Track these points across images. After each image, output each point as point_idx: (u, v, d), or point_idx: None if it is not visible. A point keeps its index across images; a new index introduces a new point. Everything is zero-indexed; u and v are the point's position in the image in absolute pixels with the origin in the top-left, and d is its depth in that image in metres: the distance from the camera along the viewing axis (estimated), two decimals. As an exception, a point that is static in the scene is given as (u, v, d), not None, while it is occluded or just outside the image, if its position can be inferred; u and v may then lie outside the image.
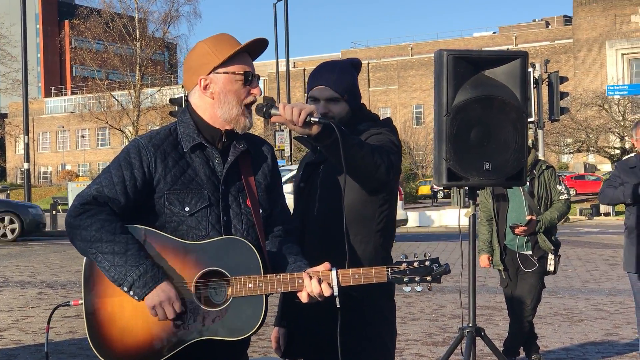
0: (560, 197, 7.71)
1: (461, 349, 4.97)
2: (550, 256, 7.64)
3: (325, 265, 3.30)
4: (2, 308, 11.52)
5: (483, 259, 7.75)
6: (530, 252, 7.61)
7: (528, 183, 7.59)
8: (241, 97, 3.42)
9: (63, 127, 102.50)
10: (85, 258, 3.31)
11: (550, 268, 7.67)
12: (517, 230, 7.46)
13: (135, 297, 3.20)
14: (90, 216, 3.27)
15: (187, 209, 3.34)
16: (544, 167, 7.74)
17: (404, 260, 3.35)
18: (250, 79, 3.43)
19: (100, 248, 3.22)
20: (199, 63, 3.45)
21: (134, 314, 3.25)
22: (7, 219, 24.41)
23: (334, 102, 3.91)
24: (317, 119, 3.39)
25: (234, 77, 3.41)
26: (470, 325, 5.01)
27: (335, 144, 3.43)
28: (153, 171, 3.35)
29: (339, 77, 3.93)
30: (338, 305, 3.29)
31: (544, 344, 8.80)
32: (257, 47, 3.50)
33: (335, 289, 3.28)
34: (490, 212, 7.72)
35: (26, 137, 32.28)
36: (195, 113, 3.47)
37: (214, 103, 3.42)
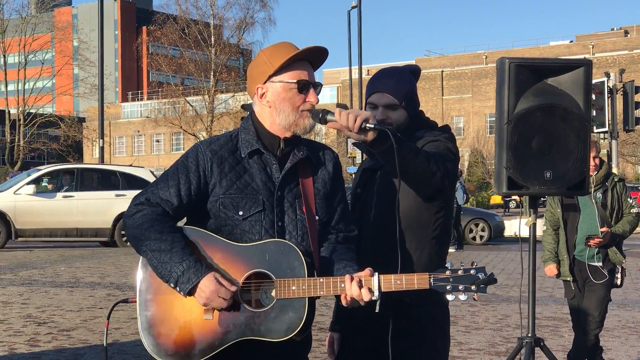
0: (632, 210, 7.62)
1: (520, 359, 4.93)
2: (619, 269, 7.54)
3: (368, 270, 3.32)
4: (71, 308, 11.74)
5: (551, 269, 7.66)
6: (600, 264, 7.50)
7: (601, 195, 7.52)
8: (296, 105, 3.45)
9: (139, 132, 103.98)
10: (140, 259, 3.42)
11: (618, 282, 7.57)
12: (592, 242, 7.37)
13: (182, 293, 3.29)
14: (142, 216, 3.38)
15: (240, 213, 3.40)
16: (616, 180, 7.65)
17: (449, 268, 3.34)
18: (305, 87, 3.46)
19: (149, 246, 3.32)
20: (257, 72, 3.51)
21: (182, 312, 3.34)
22: (480, 225, 26.91)
23: (392, 109, 3.92)
24: (372, 125, 3.40)
25: (288, 85, 3.45)
26: (530, 335, 4.97)
27: (390, 151, 3.44)
28: (209, 175, 3.43)
29: (398, 83, 3.94)
30: (377, 310, 3.29)
31: (610, 357, 8.66)
32: (316, 55, 3.53)
33: (376, 293, 3.28)
34: (558, 222, 7.63)
35: (101, 140, 32.87)
36: (257, 120, 3.54)
37: (271, 111, 3.49)
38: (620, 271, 7.54)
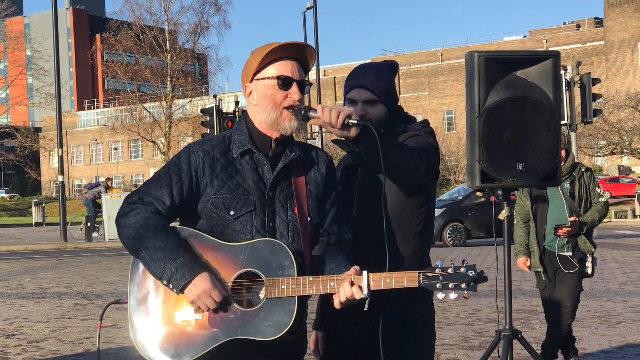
0: (599, 199, 7.68)
1: (498, 352, 4.94)
2: (589, 258, 7.60)
3: (355, 268, 3.31)
4: (39, 319, 11.62)
5: (521, 262, 7.70)
6: (570, 254, 7.56)
7: (568, 185, 7.57)
8: (278, 102, 3.45)
9: (96, 140, 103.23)
10: (132, 259, 3.42)
11: (589, 270, 7.62)
12: (560, 231, 7.41)
13: (174, 290, 3.29)
14: (135, 214, 3.38)
15: (232, 213, 3.41)
16: (583, 170, 7.71)
17: (439, 266, 3.33)
18: (287, 83, 3.44)
19: (142, 244, 3.32)
20: (245, 72, 3.55)
21: (173, 311, 3.34)
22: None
23: (372, 104, 3.91)
24: (355, 121, 3.40)
25: (270, 81, 3.45)
26: (507, 327, 4.98)
27: (374, 146, 3.43)
28: (200, 176, 3.44)
29: (377, 79, 3.94)
30: (366, 309, 3.29)
31: (582, 346, 8.73)
32: (304, 54, 3.50)
33: (366, 292, 3.28)
34: (527, 214, 7.67)
35: (60, 150, 32.53)
36: (250, 120, 3.55)
37: (257, 109, 3.50)
38: (590, 260, 7.60)
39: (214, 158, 3.46)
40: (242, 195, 3.42)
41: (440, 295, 3.31)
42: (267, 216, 3.43)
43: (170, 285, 3.28)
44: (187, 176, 3.43)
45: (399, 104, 4.05)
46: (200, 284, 3.24)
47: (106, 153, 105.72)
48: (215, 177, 3.43)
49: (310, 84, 3.59)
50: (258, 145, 3.49)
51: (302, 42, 3.50)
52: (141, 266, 3.38)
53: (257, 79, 3.48)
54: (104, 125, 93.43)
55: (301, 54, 3.51)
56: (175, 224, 3.48)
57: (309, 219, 3.49)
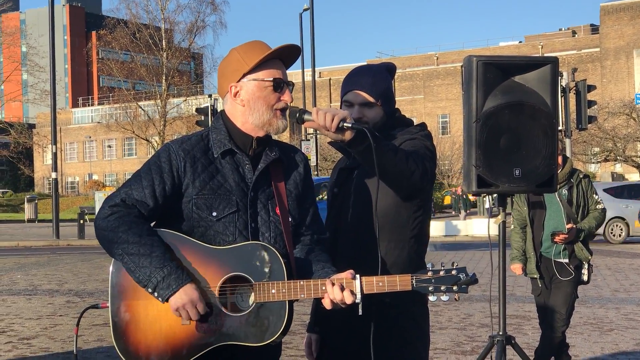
0: (597, 207, 7.66)
1: (491, 357, 4.93)
2: (585, 265, 7.58)
3: (349, 272, 3.28)
4: (30, 316, 11.58)
5: (516, 267, 7.68)
6: (566, 261, 7.54)
7: (566, 191, 7.56)
8: (271, 103, 3.42)
9: (90, 137, 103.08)
10: (112, 263, 3.33)
11: (585, 278, 7.61)
12: (557, 238, 7.40)
13: (160, 299, 3.21)
14: (118, 218, 3.29)
15: (214, 214, 3.34)
16: (581, 176, 7.70)
17: (430, 269, 3.32)
18: (280, 85, 3.42)
19: (126, 249, 3.23)
20: (229, 70, 3.46)
21: (158, 317, 3.26)
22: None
23: (369, 107, 3.89)
24: (350, 125, 3.38)
25: (263, 83, 3.41)
26: (501, 333, 4.97)
27: (369, 150, 3.41)
28: (182, 176, 3.36)
29: (374, 81, 3.91)
30: (360, 313, 3.26)
31: (575, 353, 8.72)
32: (289, 54, 3.50)
33: (358, 296, 3.25)
34: (524, 220, 7.65)
35: (54, 147, 32.49)
36: (228, 119, 3.48)
37: (244, 110, 3.43)
38: (586, 267, 7.58)
39: (194, 157, 3.39)
40: (224, 196, 3.36)
41: (432, 298, 3.30)
42: (250, 217, 3.38)
43: (156, 294, 3.20)
44: (169, 177, 3.35)
45: (396, 107, 4.03)
46: (188, 293, 3.18)
47: (100, 151, 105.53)
48: (197, 177, 3.36)
49: (294, 84, 3.56)
50: (238, 145, 3.44)
51: (293, 44, 3.48)
52: (123, 270, 3.28)
53: (248, 80, 3.42)
54: (99, 122, 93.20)
55: (287, 54, 3.49)
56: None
57: (290, 219, 3.45)
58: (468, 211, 49.82)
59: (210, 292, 3.24)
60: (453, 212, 39.23)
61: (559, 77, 21.28)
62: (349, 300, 3.24)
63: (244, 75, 3.43)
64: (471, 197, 59.13)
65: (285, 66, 3.52)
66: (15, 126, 67.27)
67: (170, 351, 3.25)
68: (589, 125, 27.21)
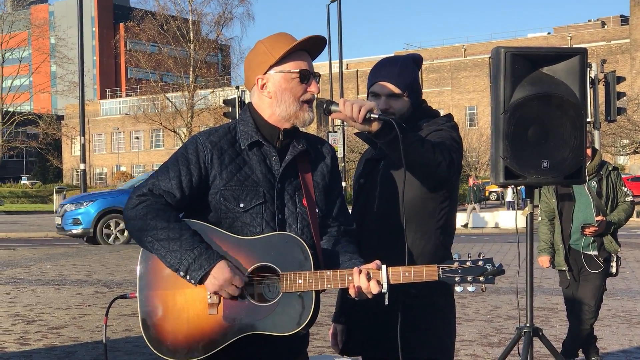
0: (626, 199, 7.63)
1: (518, 349, 4.92)
2: (614, 258, 7.55)
3: (376, 262, 3.30)
4: (60, 306, 11.67)
5: (544, 260, 7.66)
6: (595, 253, 7.51)
7: (595, 183, 7.53)
8: (298, 95, 3.43)
9: (118, 129, 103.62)
10: (140, 254, 3.36)
11: (613, 270, 7.58)
12: (587, 231, 7.37)
13: (192, 282, 3.24)
14: (146, 206, 3.32)
15: (241, 205, 3.37)
16: (610, 168, 7.66)
17: (457, 259, 3.32)
18: (306, 77, 3.44)
19: (155, 235, 3.26)
20: (256, 62, 3.48)
21: (185, 307, 3.29)
22: None
23: (395, 98, 3.89)
24: (377, 116, 3.39)
25: (290, 75, 3.43)
26: (528, 325, 4.96)
27: (395, 141, 3.42)
28: (209, 167, 3.39)
29: (400, 73, 3.92)
30: (386, 303, 3.27)
31: (602, 345, 8.68)
32: (315, 45, 3.51)
33: (385, 286, 3.26)
34: (553, 212, 7.62)
35: (82, 138, 32.67)
36: (255, 111, 3.50)
37: (271, 102, 3.45)
38: (615, 260, 7.55)
39: (222, 149, 3.41)
40: (251, 187, 3.38)
41: (458, 289, 3.31)
42: (277, 208, 3.40)
43: (188, 277, 3.23)
44: (196, 168, 3.38)
45: (422, 98, 4.04)
46: (220, 273, 3.20)
47: (127, 142, 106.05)
48: (224, 168, 3.38)
49: (320, 75, 3.58)
50: (266, 136, 3.46)
51: (318, 35, 3.48)
52: (151, 260, 3.31)
53: (274, 72, 3.44)
54: (126, 114, 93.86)
55: (313, 45, 3.50)
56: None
57: (317, 210, 3.47)
58: (484, 204, 49.35)
59: (242, 274, 3.26)
60: (466, 205, 39.02)
61: (588, 69, 21.01)
62: (375, 290, 3.26)
63: (271, 67, 3.44)
64: (494, 188, 58.85)
65: (311, 57, 3.53)
66: (44, 118, 67.87)
67: (198, 340, 3.27)
68: (618, 117, 27.02)
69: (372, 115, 3.39)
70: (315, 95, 3.48)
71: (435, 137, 3.75)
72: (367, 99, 3.79)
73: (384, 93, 3.90)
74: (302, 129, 3.57)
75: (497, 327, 9.96)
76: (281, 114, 3.44)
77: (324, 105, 3.47)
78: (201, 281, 3.23)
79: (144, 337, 3.32)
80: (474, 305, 11.64)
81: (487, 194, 61.87)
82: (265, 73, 3.46)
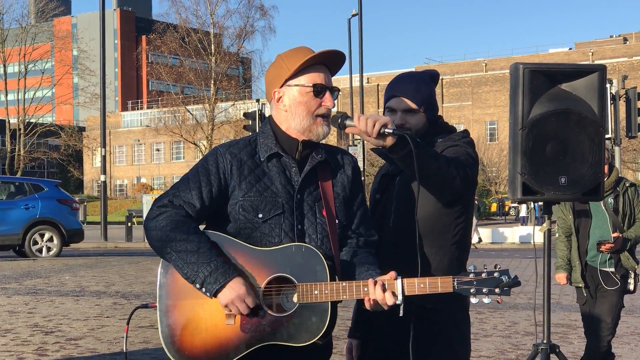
0: None
1: (535, 365, 4.91)
2: (631, 275, 7.52)
3: (391, 274, 3.31)
4: (78, 317, 11.72)
5: (561, 277, 7.63)
6: (612, 270, 7.48)
7: (612, 200, 7.49)
8: (312, 109, 3.46)
9: (139, 141, 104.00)
10: (160, 265, 3.39)
11: (631, 287, 7.54)
12: (603, 247, 7.34)
13: (207, 294, 3.26)
14: (166, 217, 3.36)
15: (260, 215, 3.39)
16: (627, 185, 7.62)
17: (472, 271, 3.32)
18: (321, 91, 3.46)
19: (174, 247, 3.30)
20: (273, 75, 3.52)
21: (204, 317, 3.32)
22: None
23: (412, 114, 3.91)
24: (391, 131, 3.40)
25: (304, 89, 3.46)
26: (545, 341, 4.95)
27: (410, 156, 3.43)
28: (229, 178, 3.43)
29: (417, 88, 3.93)
30: (401, 314, 3.28)
31: (620, 363, 8.63)
32: (334, 60, 3.53)
33: (400, 297, 3.27)
34: (570, 228, 7.60)
35: (103, 150, 32.86)
36: (275, 124, 3.54)
37: (287, 115, 3.49)
38: (633, 277, 7.51)
39: (241, 161, 3.45)
40: (270, 198, 3.41)
41: (474, 300, 3.30)
42: (296, 219, 3.42)
43: (204, 289, 3.26)
44: (215, 179, 3.42)
45: (439, 114, 4.04)
46: (235, 288, 3.23)
47: (148, 154, 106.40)
48: (243, 179, 3.42)
49: (339, 90, 3.60)
50: (285, 148, 3.49)
51: (334, 49, 3.51)
52: (170, 270, 3.35)
53: (289, 85, 3.48)
54: (147, 126, 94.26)
55: (331, 60, 3.53)
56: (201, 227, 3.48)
57: (337, 221, 3.49)
58: (504, 219, 48.81)
59: (255, 293, 3.29)
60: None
61: (609, 85, 20.88)
62: (390, 301, 3.27)
63: (286, 81, 3.48)
64: (508, 204, 58.46)
65: (331, 72, 3.55)
66: (65, 129, 68.17)
67: (216, 350, 3.31)
68: (639, 133, 26.87)
69: (386, 130, 3.40)
70: (331, 110, 3.50)
71: (450, 153, 3.76)
72: (384, 114, 3.80)
73: (400, 108, 3.91)
74: (323, 141, 3.59)
75: (515, 343, 9.92)
76: (296, 127, 3.47)
77: (339, 120, 3.49)
78: (216, 294, 3.26)
79: (163, 345, 3.35)
80: (492, 320, 11.60)
81: (507, 209, 61.72)
82: (282, 86, 3.49)
